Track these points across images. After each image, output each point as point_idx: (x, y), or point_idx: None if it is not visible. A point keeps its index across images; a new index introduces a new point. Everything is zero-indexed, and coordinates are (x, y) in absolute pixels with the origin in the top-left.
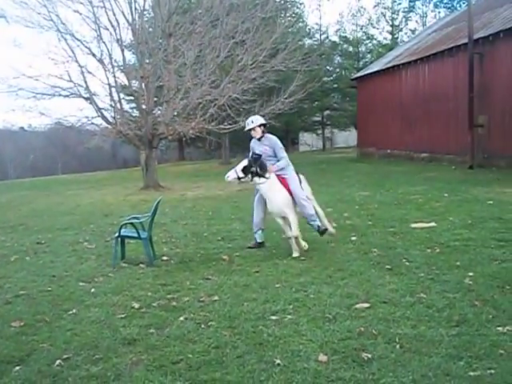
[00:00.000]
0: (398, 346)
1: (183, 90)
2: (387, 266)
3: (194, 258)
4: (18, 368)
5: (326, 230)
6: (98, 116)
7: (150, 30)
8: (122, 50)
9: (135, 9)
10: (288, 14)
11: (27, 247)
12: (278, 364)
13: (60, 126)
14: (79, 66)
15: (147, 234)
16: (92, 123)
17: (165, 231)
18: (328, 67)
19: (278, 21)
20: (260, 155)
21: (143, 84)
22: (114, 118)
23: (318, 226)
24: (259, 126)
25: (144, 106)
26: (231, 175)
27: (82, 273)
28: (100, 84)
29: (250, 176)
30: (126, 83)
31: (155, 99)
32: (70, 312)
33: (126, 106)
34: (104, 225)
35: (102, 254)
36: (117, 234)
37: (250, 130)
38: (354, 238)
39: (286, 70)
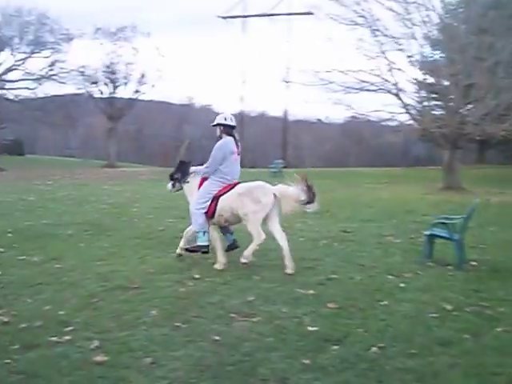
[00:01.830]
0: None
1: (495, 89)
2: None
3: (507, 267)
4: (335, 347)
5: (202, 248)
6: (406, 112)
7: (459, 26)
8: (432, 47)
9: (446, 5)
10: None
11: (334, 234)
12: None
13: (356, 119)
14: (388, 61)
15: (459, 236)
16: (395, 119)
17: (472, 236)
18: None
19: None
20: (183, 162)
21: (451, 82)
22: (420, 115)
23: (198, 246)
24: (217, 125)
25: (451, 105)
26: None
27: (390, 266)
28: (406, 80)
29: (177, 183)
30: (433, 80)
31: (463, 98)
32: (382, 303)
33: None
34: (407, 221)
35: (407, 250)
36: (428, 232)
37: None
38: None
39: None
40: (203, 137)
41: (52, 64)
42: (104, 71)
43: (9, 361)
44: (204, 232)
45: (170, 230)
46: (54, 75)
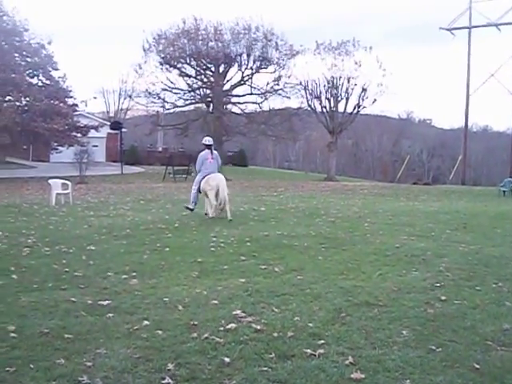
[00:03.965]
0: None
1: None
2: None
3: None
4: None
5: (189, 208)
6: None
7: None
8: None
9: None
10: None
11: None
12: None
13: None
14: None
15: None
16: None
17: None
18: None
19: None
20: None
21: None
22: None
23: (188, 207)
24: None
25: None
26: None
27: None
28: None
29: None
30: None
31: None
32: None
33: None
34: None
35: None
36: None
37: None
38: None
39: None
40: (422, 152)
41: (277, 79)
42: (326, 86)
43: (266, 369)
44: (193, 202)
45: (407, 248)
46: (278, 90)
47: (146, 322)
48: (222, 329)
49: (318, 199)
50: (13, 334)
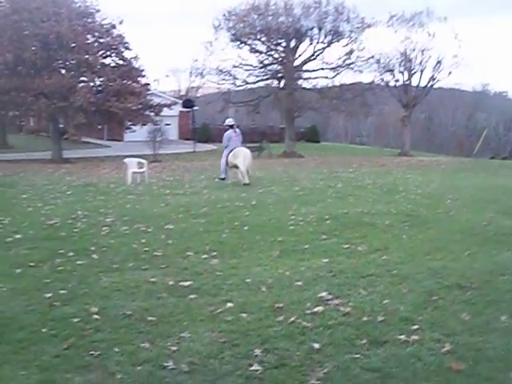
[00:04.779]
0: None
1: None
2: None
3: None
4: None
5: (221, 178)
6: None
7: None
8: None
9: None
10: None
11: None
12: None
13: None
14: None
15: None
16: None
17: None
18: None
19: None
20: None
21: None
22: None
23: (219, 177)
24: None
25: None
26: None
27: None
28: None
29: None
30: None
31: None
32: None
33: None
34: None
35: None
36: None
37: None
38: None
39: None
40: (498, 125)
41: (349, 53)
42: (399, 59)
43: (358, 356)
44: (222, 172)
45: (495, 226)
46: (351, 64)
47: (229, 305)
48: (308, 312)
49: (395, 175)
50: (96, 316)
